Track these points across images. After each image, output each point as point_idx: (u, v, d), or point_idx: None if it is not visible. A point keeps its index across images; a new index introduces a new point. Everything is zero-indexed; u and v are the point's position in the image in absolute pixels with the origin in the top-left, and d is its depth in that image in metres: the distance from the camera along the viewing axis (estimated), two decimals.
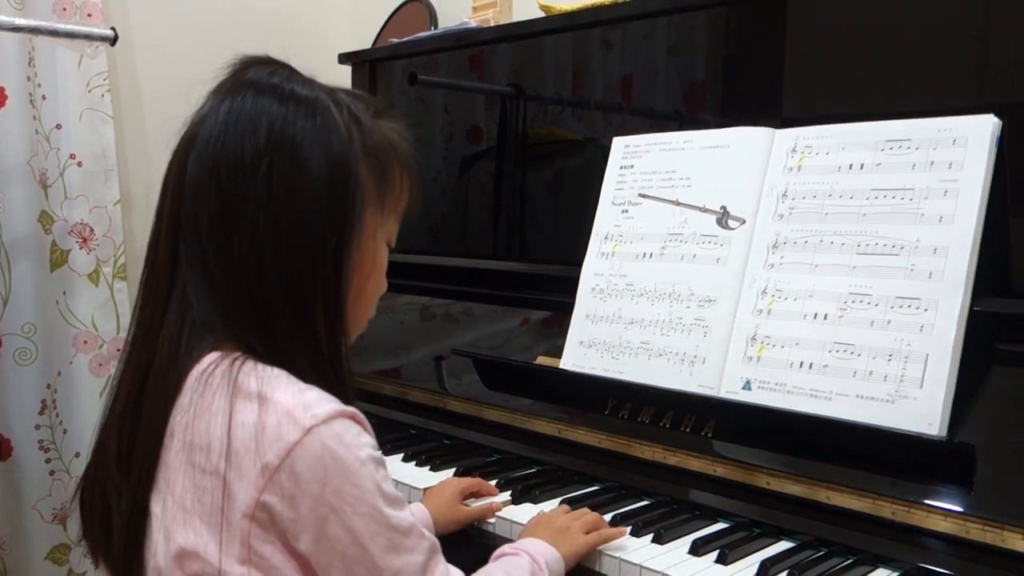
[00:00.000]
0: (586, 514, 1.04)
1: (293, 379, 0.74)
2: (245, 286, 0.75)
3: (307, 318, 0.77)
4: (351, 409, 0.74)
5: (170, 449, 0.76)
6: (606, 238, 1.34)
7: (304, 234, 0.76)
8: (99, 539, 0.82)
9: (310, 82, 0.81)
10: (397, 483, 1.25)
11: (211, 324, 0.76)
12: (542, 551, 0.95)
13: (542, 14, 1.65)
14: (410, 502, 1.14)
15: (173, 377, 0.76)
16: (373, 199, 0.81)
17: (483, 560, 0.94)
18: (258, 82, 0.79)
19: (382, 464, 0.75)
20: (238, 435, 0.72)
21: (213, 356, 0.76)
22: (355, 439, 0.73)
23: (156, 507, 0.76)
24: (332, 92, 0.81)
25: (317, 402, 0.72)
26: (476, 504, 1.15)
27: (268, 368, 0.75)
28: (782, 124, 1.21)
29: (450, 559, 0.88)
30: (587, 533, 1.01)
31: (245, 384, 0.73)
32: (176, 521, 0.74)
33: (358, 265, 0.80)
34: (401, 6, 2.25)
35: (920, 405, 0.98)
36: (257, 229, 0.75)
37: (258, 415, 0.71)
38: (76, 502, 0.84)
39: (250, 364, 0.75)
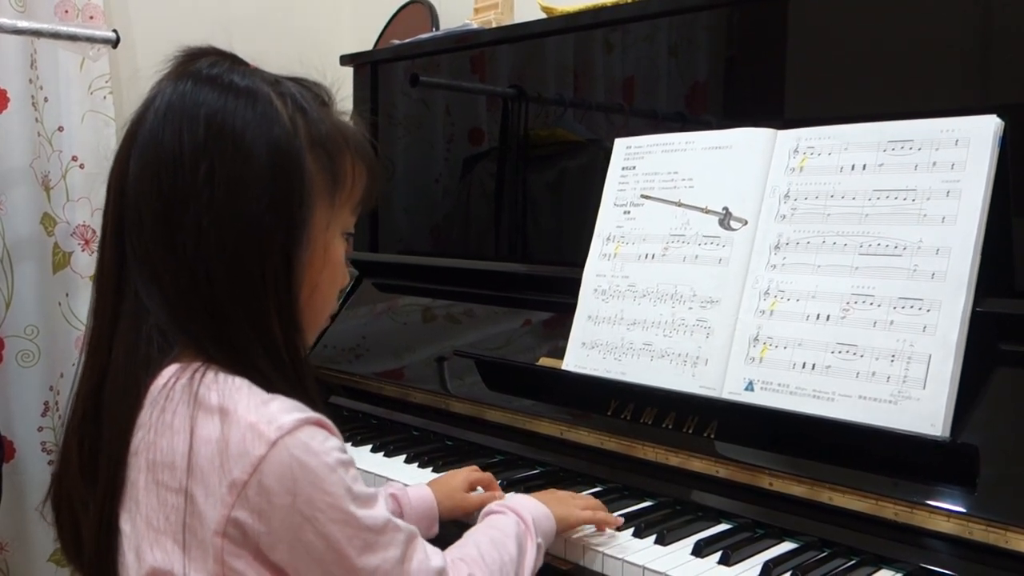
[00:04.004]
0: (587, 496, 1.05)
1: (255, 389, 0.73)
2: (194, 289, 0.73)
3: (261, 318, 0.75)
4: (315, 415, 0.73)
5: (135, 467, 0.74)
6: (608, 239, 1.34)
7: (250, 232, 0.73)
8: (70, 547, 0.81)
9: (253, 72, 0.78)
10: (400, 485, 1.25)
11: (167, 331, 0.74)
12: (530, 508, 0.94)
13: (543, 15, 1.65)
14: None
15: (132, 390, 0.74)
16: (322, 191, 0.78)
17: None
18: (198, 74, 0.76)
19: (351, 465, 0.73)
20: (201, 451, 0.70)
21: (172, 369, 0.74)
22: (322, 445, 0.71)
23: (126, 525, 0.75)
24: (276, 82, 0.78)
25: (280, 413, 0.71)
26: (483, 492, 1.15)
27: (229, 379, 0.73)
28: (784, 125, 1.21)
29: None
30: (585, 510, 1.01)
31: (206, 398, 0.71)
32: (146, 540, 0.73)
33: (309, 260, 0.77)
34: (402, 8, 2.25)
35: (923, 406, 0.98)
36: (201, 229, 0.73)
37: (221, 430, 0.70)
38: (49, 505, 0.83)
39: (211, 376, 0.73)
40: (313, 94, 0.80)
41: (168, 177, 0.73)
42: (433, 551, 0.80)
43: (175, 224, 0.73)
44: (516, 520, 0.92)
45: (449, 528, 1.09)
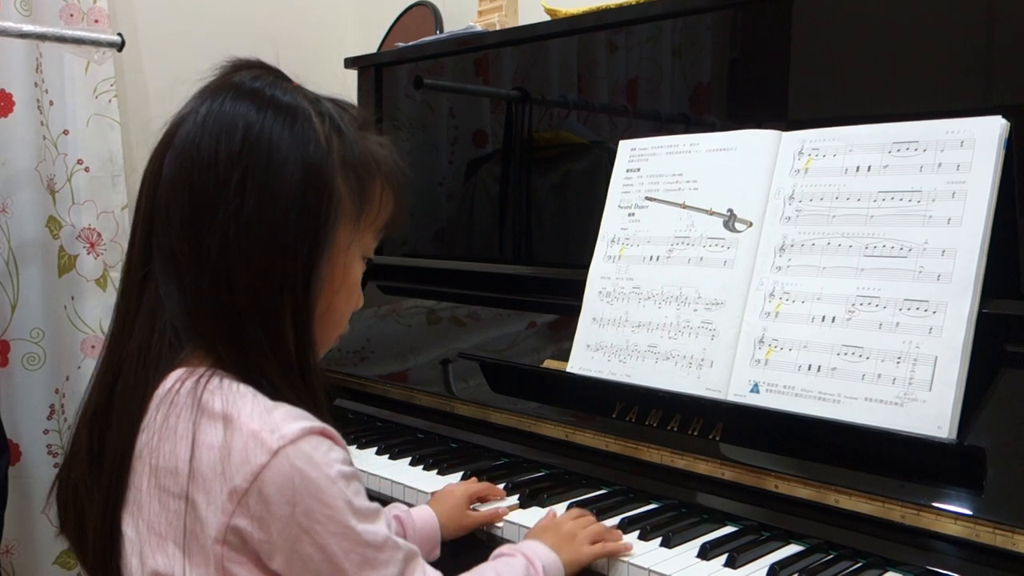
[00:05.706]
0: (594, 522, 1.04)
1: (260, 397, 0.73)
2: (214, 290, 0.74)
3: (276, 327, 0.75)
4: (320, 425, 0.73)
5: (138, 471, 0.75)
6: (613, 241, 1.34)
7: (274, 244, 0.74)
8: (74, 541, 0.82)
9: (295, 89, 0.79)
10: (405, 487, 1.25)
11: (180, 329, 0.75)
12: (540, 554, 0.94)
13: (547, 17, 1.65)
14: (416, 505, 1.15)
15: (140, 391, 0.75)
16: (349, 213, 0.79)
17: None
18: (240, 86, 0.77)
19: (354, 478, 0.73)
20: (204, 458, 0.70)
21: (179, 373, 0.74)
22: (324, 456, 0.71)
23: (129, 529, 0.75)
24: (316, 101, 0.79)
25: (284, 421, 0.71)
26: (484, 508, 1.15)
27: (234, 385, 0.73)
28: (788, 126, 1.21)
29: (458, 564, 0.88)
30: (593, 543, 1.00)
31: (210, 404, 0.72)
32: (149, 545, 0.73)
33: (328, 278, 0.78)
34: (407, 10, 2.25)
35: (929, 407, 0.98)
36: (227, 235, 0.74)
37: (223, 437, 0.70)
38: (53, 498, 0.83)
39: (215, 382, 0.73)
40: (351, 116, 0.81)
41: (201, 181, 0.74)
42: (434, 573, 0.79)
43: (203, 227, 0.74)
44: (526, 564, 0.92)
45: (450, 549, 1.10)
